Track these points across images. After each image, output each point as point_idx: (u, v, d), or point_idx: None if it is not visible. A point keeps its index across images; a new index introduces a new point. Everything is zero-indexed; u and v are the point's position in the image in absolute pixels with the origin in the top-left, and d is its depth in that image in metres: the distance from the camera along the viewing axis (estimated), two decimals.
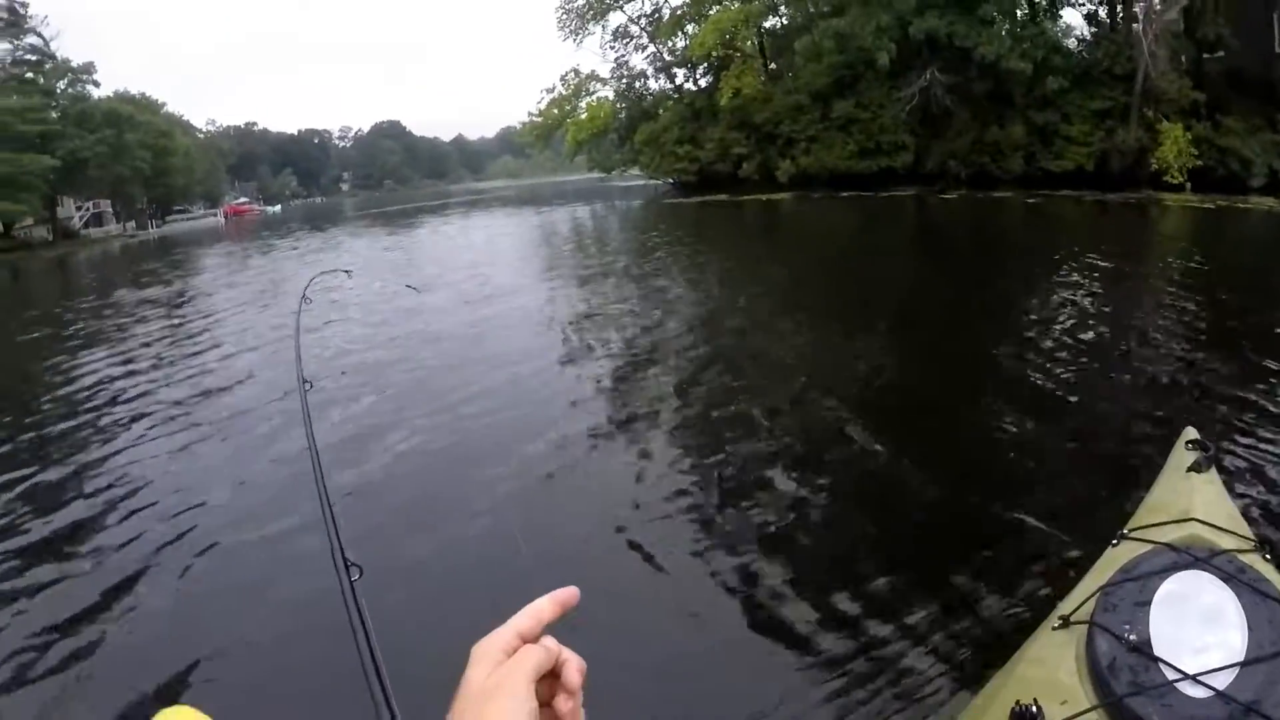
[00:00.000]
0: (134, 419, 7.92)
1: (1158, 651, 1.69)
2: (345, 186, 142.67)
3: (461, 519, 5.07)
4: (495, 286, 14.87)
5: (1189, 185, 25.66)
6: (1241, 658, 1.62)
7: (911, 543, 4.48)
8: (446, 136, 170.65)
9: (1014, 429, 5.99)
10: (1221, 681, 1.58)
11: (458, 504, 5.33)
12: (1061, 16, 33.58)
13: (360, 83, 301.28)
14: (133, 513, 5.56)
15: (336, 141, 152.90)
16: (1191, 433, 2.70)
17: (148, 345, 12.06)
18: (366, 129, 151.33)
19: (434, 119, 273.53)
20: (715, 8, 41.10)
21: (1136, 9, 29.08)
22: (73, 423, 8.06)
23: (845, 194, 31.77)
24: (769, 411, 6.64)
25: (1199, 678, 1.60)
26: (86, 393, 9.24)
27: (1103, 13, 32.52)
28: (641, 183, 48.73)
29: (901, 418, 6.57)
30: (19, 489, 6.16)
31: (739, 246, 20.60)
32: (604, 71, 48.90)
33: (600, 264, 18.09)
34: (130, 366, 10.52)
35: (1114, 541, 2.31)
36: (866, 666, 3.28)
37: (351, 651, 1.19)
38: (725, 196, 34.47)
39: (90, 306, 18.48)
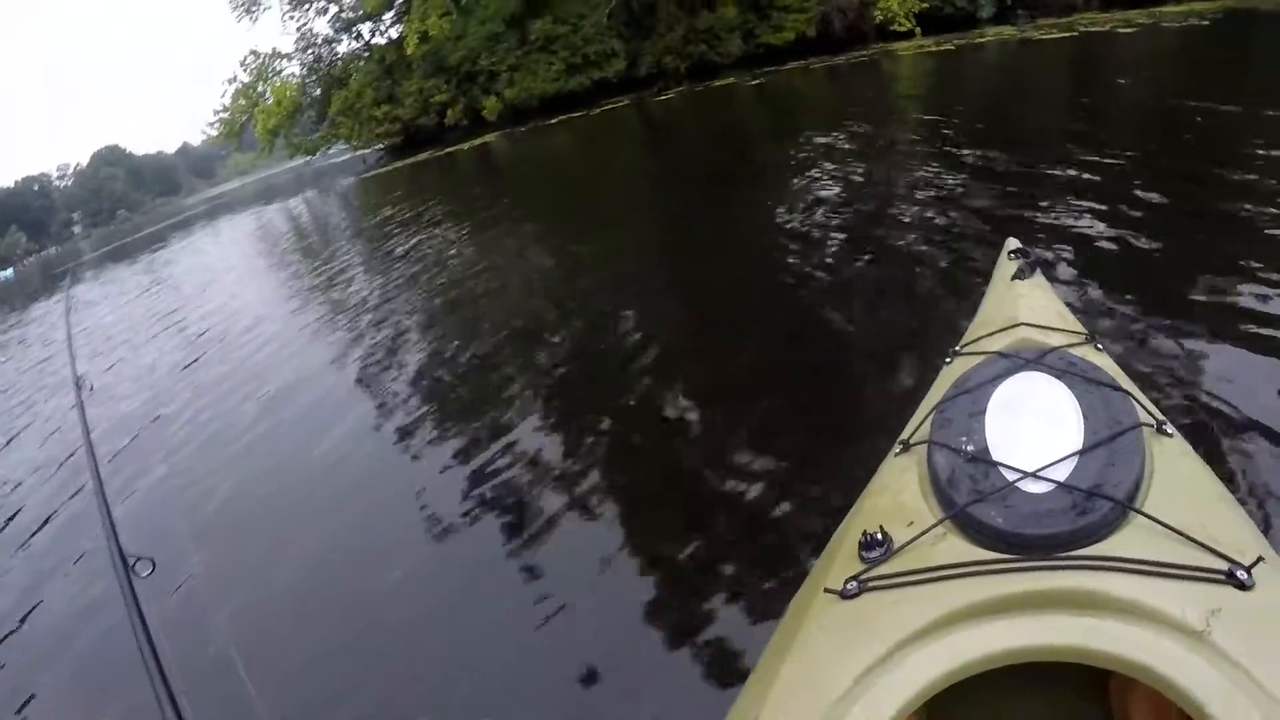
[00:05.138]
0: None
1: (996, 456, 1.50)
2: (78, 229, 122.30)
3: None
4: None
5: (919, 30, 21.95)
6: (1080, 447, 1.45)
7: (747, 404, 3.76)
8: (171, 148, 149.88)
9: (825, 291, 4.99)
10: (1062, 473, 1.41)
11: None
12: None
13: (70, 112, 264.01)
14: None
15: (57, 182, 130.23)
16: (1013, 242, 2.52)
17: None
18: (86, 161, 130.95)
19: (157, 132, 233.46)
20: None
21: None
22: None
23: (559, 118, 26.05)
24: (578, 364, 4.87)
25: (1039, 473, 1.41)
26: None
27: None
28: (347, 156, 40.90)
29: (695, 313, 5.52)
30: None
31: (447, 216, 14.41)
32: (288, 46, 40.78)
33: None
34: None
35: (947, 360, 2.06)
36: (725, 529, 2.86)
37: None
38: (429, 154, 27.91)
39: None
